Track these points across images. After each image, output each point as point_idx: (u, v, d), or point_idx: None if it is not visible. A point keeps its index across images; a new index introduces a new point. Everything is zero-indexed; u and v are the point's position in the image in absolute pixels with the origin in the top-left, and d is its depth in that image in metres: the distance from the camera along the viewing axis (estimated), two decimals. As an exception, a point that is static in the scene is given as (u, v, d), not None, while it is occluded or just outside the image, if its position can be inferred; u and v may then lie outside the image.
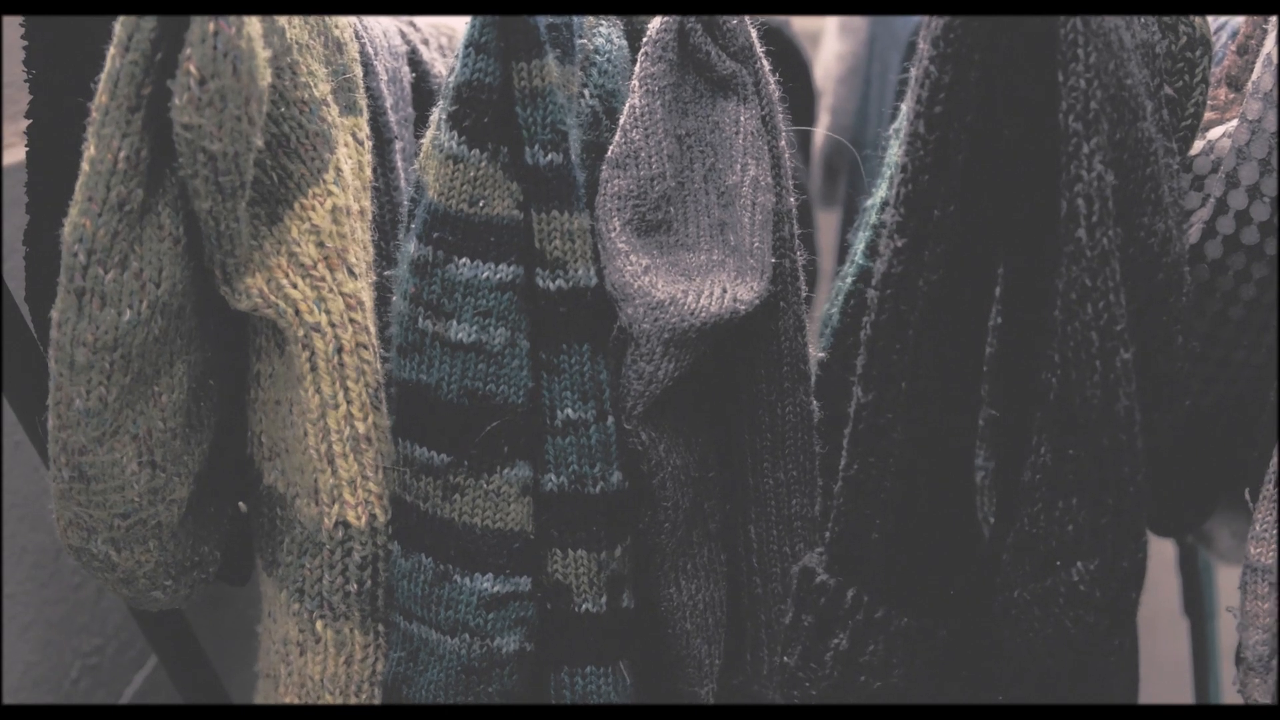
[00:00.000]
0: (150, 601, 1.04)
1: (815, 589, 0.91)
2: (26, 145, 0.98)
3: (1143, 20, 0.91)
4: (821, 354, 1.12)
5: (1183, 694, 1.98)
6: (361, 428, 0.94)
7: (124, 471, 0.92)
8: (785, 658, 0.93)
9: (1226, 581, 1.69)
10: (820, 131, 2.14)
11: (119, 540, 0.96)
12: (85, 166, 0.83)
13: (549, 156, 0.93)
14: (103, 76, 0.83)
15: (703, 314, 0.93)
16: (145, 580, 1.00)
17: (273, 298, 0.90)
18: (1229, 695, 1.92)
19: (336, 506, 0.95)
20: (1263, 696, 0.92)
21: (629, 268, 0.94)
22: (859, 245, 1.13)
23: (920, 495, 0.87)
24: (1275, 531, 0.91)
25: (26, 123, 0.98)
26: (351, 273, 0.93)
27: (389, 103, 1.11)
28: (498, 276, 0.94)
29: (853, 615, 0.90)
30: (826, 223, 2.24)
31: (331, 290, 0.92)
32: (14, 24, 1.27)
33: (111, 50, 0.82)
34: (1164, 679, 1.99)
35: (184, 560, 1.02)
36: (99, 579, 1.01)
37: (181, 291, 0.89)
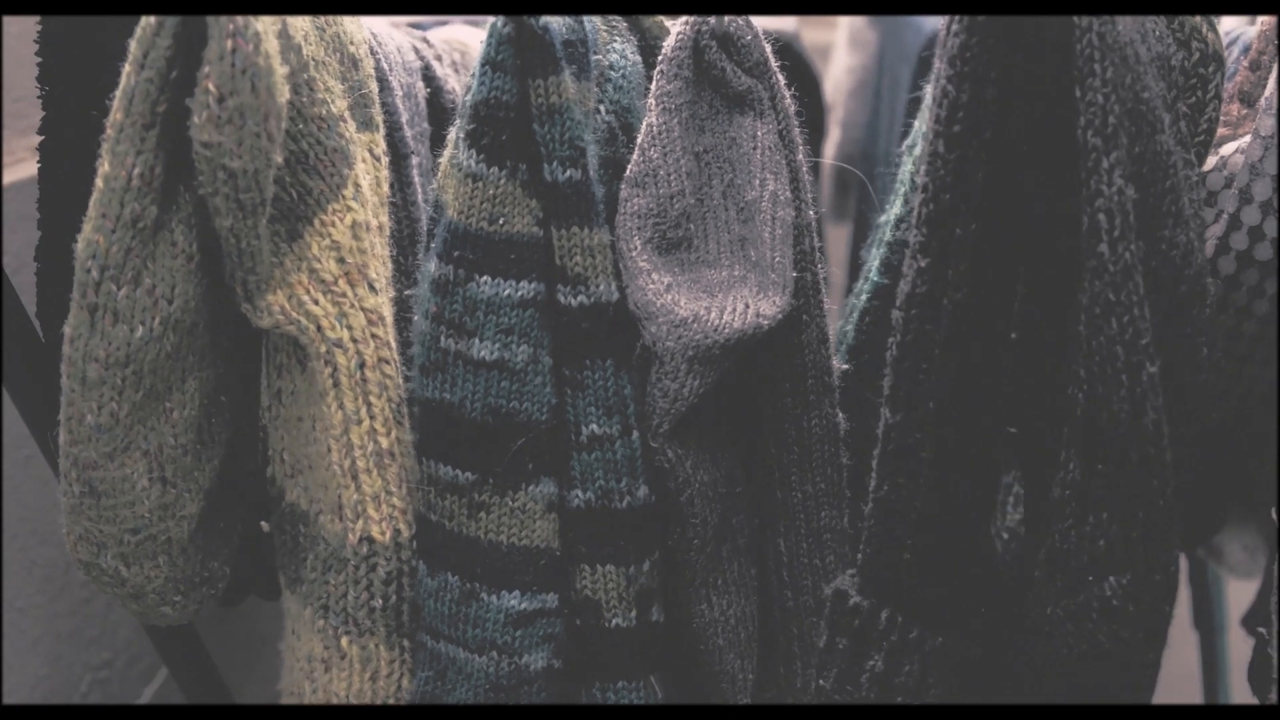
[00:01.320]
0: (159, 617, 1.04)
1: (849, 611, 0.91)
2: (38, 161, 0.99)
3: (1158, 34, 0.91)
4: (844, 366, 1.12)
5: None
6: (385, 443, 0.94)
7: (134, 487, 0.92)
8: (821, 681, 0.93)
9: (1237, 595, 1.70)
10: (831, 146, 2.14)
11: (129, 555, 0.96)
12: (99, 183, 0.83)
13: (568, 173, 0.93)
14: (118, 93, 0.83)
15: (726, 330, 0.93)
16: (154, 595, 1.00)
17: (294, 314, 0.90)
18: (1238, 707, 1.92)
19: (361, 522, 0.95)
20: None
21: (651, 286, 0.94)
22: (873, 263, 1.13)
23: (951, 514, 0.87)
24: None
25: (28, 139, 0.98)
26: (372, 288, 0.93)
27: (404, 118, 1.11)
28: (519, 294, 0.94)
29: (887, 636, 0.90)
30: (837, 237, 2.24)
31: (353, 306, 0.92)
32: (14, 41, 1.27)
33: (126, 68, 0.83)
34: (1174, 692, 1.98)
35: (193, 576, 1.02)
36: (108, 594, 1.01)
37: (194, 308, 0.89)
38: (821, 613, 0.95)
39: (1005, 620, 0.91)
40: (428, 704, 1.00)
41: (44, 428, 1.04)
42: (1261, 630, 1.04)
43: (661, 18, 1.07)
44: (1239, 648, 1.11)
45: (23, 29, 1.26)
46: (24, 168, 1.28)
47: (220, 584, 1.06)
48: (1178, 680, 2.01)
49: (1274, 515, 1.03)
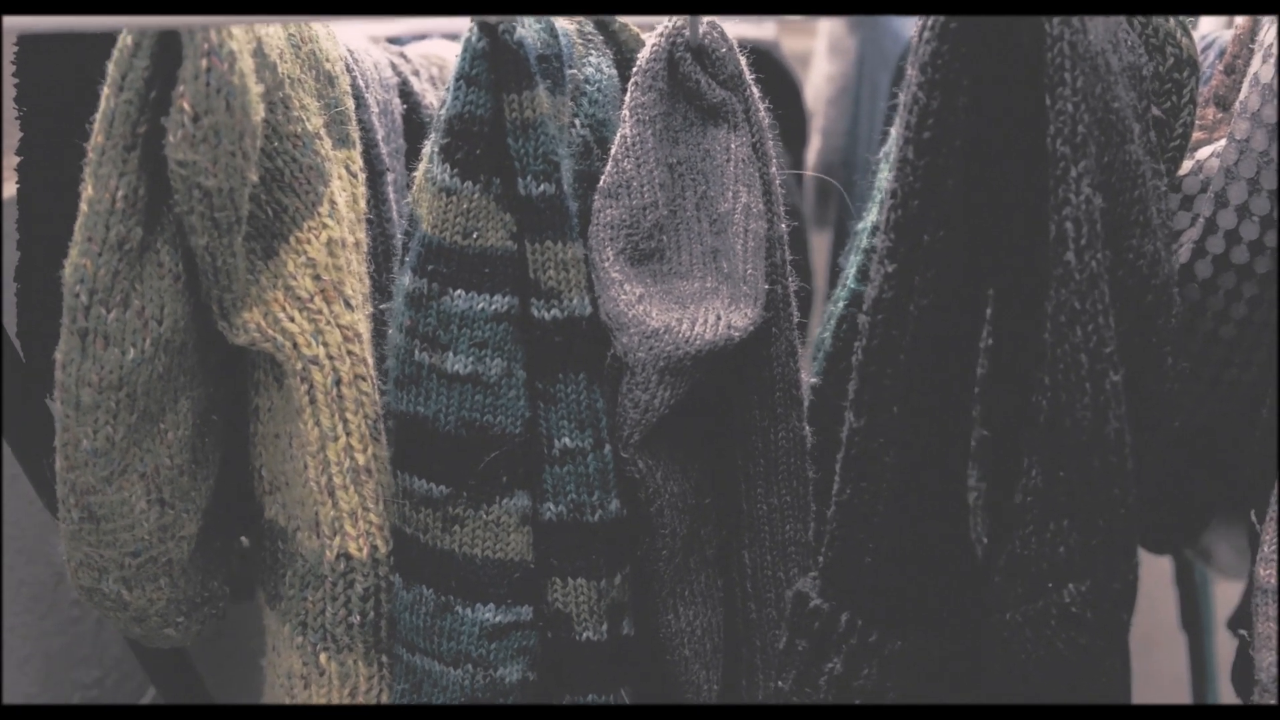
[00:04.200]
0: (163, 639, 1.04)
1: (809, 614, 0.92)
2: (17, 182, 0.99)
3: (1129, 43, 0.92)
4: (815, 379, 1.12)
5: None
6: (361, 459, 0.95)
7: (133, 510, 0.92)
8: (780, 682, 0.93)
9: (1224, 596, 1.70)
10: (812, 153, 2.15)
11: (130, 579, 0.97)
12: (84, 207, 0.83)
13: (541, 187, 0.93)
14: (98, 116, 0.83)
15: (697, 342, 0.93)
16: (157, 618, 1.01)
17: (270, 331, 0.91)
18: (1227, 709, 1.92)
19: (338, 538, 0.96)
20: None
21: (623, 297, 0.94)
22: (850, 269, 1.13)
23: (913, 519, 0.88)
24: (1280, 553, 0.92)
25: (12, 159, 0.98)
26: (348, 305, 0.94)
27: (380, 135, 1.11)
28: (493, 307, 0.94)
29: (847, 639, 0.90)
30: (819, 245, 2.25)
31: (329, 323, 0.92)
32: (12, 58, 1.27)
33: (105, 90, 0.83)
34: (1162, 693, 1.99)
35: (194, 596, 1.02)
36: (111, 619, 1.01)
37: (183, 328, 0.89)
38: (783, 622, 0.96)
39: (965, 625, 0.91)
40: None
41: (28, 450, 1.04)
42: (1243, 633, 1.05)
43: (636, 30, 1.08)
44: (1227, 649, 1.12)
45: (10, 49, 1.26)
46: (6, 188, 1.28)
47: (221, 604, 1.07)
48: (1166, 682, 2.02)
49: (1253, 518, 1.03)
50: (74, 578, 0.97)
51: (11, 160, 1.28)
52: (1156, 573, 1.94)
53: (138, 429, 0.89)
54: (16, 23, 0.77)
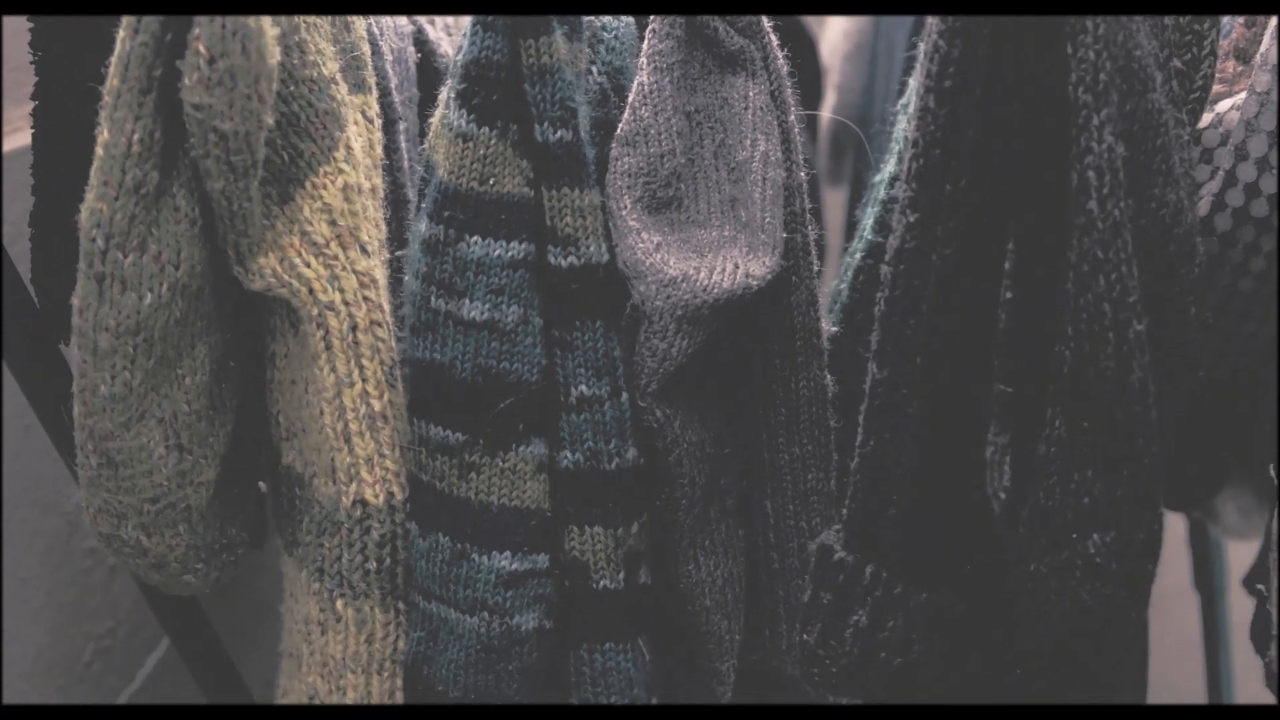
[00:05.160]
0: (181, 586, 1.05)
1: (833, 566, 0.92)
2: (32, 128, 0.98)
3: (1152, -9, 0.91)
4: (833, 329, 1.12)
5: (1194, 667, 1.99)
6: (377, 405, 0.95)
7: (151, 456, 0.92)
8: (805, 635, 0.93)
9: (1237, 556, 1.70)
10: (827, 111, 2.13)
11: (149, 525, 0.97)
12: (99, 151, 0.83)
13: (558, 133, 0.93)
14: (113, 60, 0.83)
15: (715, 290, 0.93)
16: (177, 564, 1.01)
17: (286, 277, 0.90)
18: (1240, 669, 1.92)
19: (354, 485, 0.96)
20: None
21: (640, 245, 0.94)
22: (868, 221, 1.13)
23: (936, 470, 0.87)
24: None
25: (28, 106, 0.98)
26: (364, 250, 0.93)
27: (394, 83, 1.11)
28: (509, 254, 0.94)
29: (871, 591, 0.90)
30: (833, 200, 2.24)
31: (345, 268, 0.92)
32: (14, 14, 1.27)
33: (121, 33, 0.82)
34: (1175, 654, 1.99)
35: (213, 543, 1.03)
36: (130, 565, 1.01)
37: (200, 273, 0.89)
38: (807, 574, 0.96)
39: (990, 577, 0.91)
40: (423, 672, 1.01)
41: (43, 397, 1.04)
42: (1261, 588, 1.04)
43: None
44: (1240, 609, 1.12)
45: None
46: (21, 137, 1.28)
47: (240, 550, 1.07)
48: (1180, 642, 2.02)
49: (1273, 472, 1.03)
50: (93, 524, 0.97)
51: (9, 114, 1.28)
52: (1170, 533, 1.94)
53: (155, 374, 0.89)
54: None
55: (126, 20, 0.82)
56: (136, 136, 0.82)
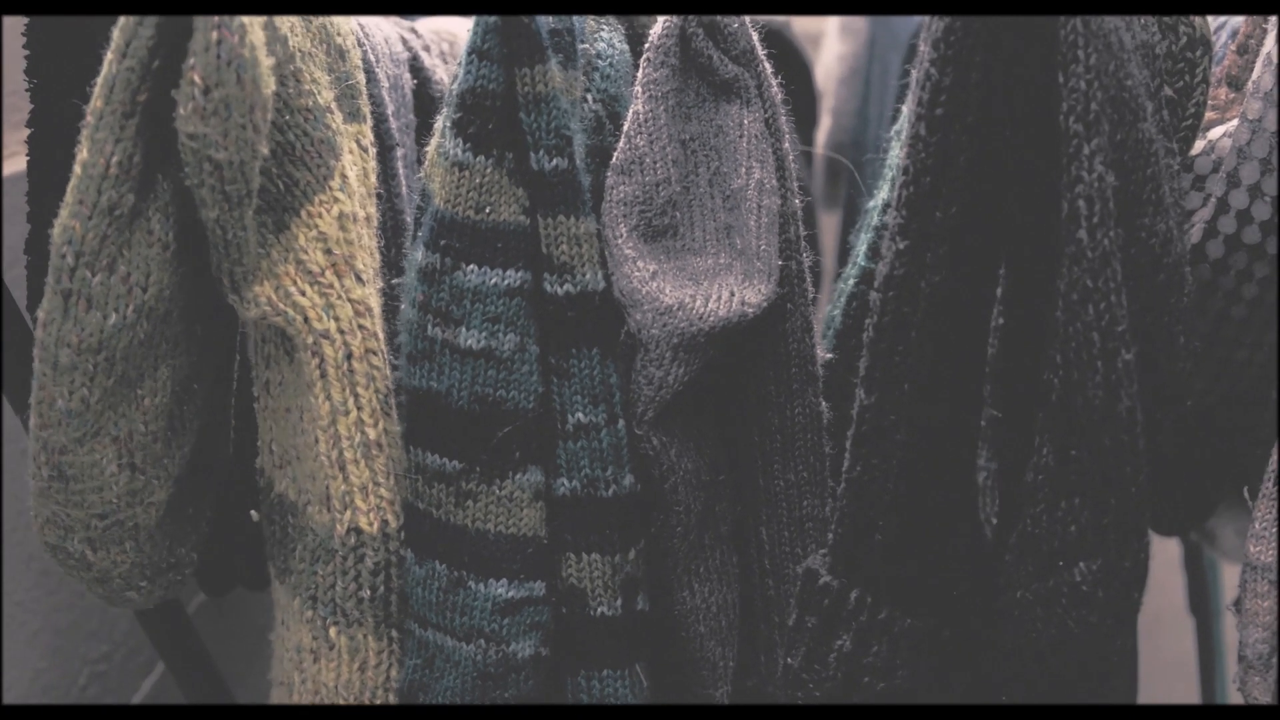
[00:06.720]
0: (124, 601, 1.05)
1: (819, 590, 0.92)
2: (28, 154, 0.99)
3: (1143, 21, 0.91)
4: (827, 355, 1.12)
5: (1189, 692, 1.99)
6: (372, 434, 0.95)
7: (103, 473, 0.92)
8: (789, 659, 0.93)
9: (1232, 579, 1.70)
10: (822, 135, 2.14)
11: (95, 540, 0.97)
12: (78, 170, 0.83)
13: (554, 161, 0.93)
14: (99, 81, 0.83)
15: (711, 318, 0.93)
16: (120, 580, 1.01)
17: (281, 305, 0.91)
18: (1235, 693, 1.92)
19: (349, 513, 0.96)
20: (1263, 695, 0.92)
21: (636, 273, 0.94)
22: (861, 247, 1.13)
23: (923, 496, 0.88)
24: (1275, 530, 0.92)
25: (28, 131, 0.98)
26: (359, 279, 0.94)
27: (390, 110, 1.11)
28: (505, 282, 0.94)
29: (856, 616, 0.90)
30: (828, 225, 2.24)
31: (340, 297, 0.92)
32: (13, 34, 1.27)
33: (108, 55, 0.83)
34: (1170, 677, 1.99)
35: (160, 562, 1.02)
36: (74, 578, 1.01)
37: (169, 297, 0.89)
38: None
39: (975, 603, 0.91)
40: (419, 700, 1.01)
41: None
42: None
43: None
44: (1235, 633, 1.12)
45: (20, 23, 1.26)
46: (19, 162, 1.28)
47: (187, 570, 1.07)
48: (1174, 665, 2.02)
49: (1245, 495, 1.03)
50: (40, 534, 0.97)
51: (9, 138, 1.29)
52: (1164, 556, 1.94)
53: (114, 393, 0.89)
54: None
55: (114, 44, 0.82)
56: (115, 159, 0.82)
